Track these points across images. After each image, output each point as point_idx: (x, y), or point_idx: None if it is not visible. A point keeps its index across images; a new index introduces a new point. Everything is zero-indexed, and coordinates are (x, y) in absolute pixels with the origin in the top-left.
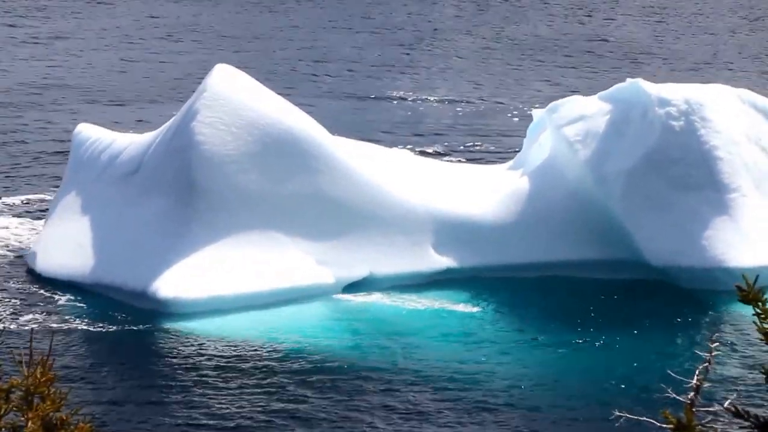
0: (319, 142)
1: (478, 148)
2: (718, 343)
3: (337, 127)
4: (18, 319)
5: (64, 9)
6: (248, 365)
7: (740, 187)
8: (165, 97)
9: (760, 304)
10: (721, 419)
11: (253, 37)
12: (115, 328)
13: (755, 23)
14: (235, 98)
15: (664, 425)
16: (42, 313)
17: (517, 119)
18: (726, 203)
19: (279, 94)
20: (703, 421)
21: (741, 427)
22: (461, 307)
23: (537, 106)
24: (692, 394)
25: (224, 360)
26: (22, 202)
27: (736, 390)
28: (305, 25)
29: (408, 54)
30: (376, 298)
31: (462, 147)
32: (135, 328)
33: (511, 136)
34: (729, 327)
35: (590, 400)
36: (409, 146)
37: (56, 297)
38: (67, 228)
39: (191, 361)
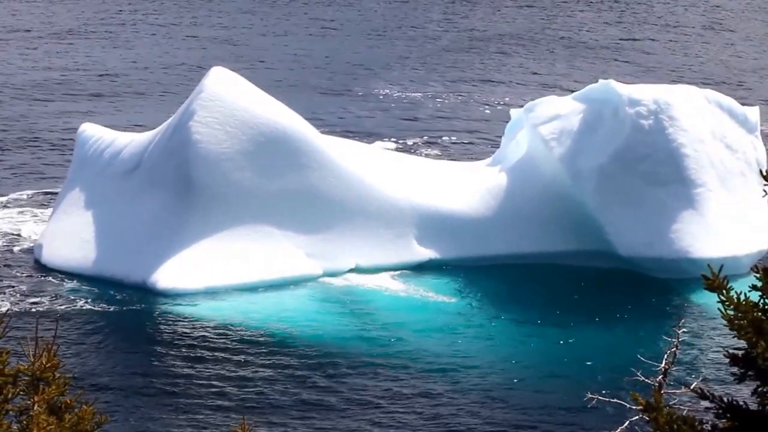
0: (309, 140)
1: (459, 145)
2: (684, 329)
3: (326, 125)
4: (25, 307)
5: (69, 15)
6: (241, 349)
7: (706, 182)
8: (163, 97)
9: (724, 291)
10: (688, 401)
11: (248, 41)
12: (116, 316)
13: (722, 25)
14: (230, 99)
15: (634, 406)
16: (47, 301)
17: (495, 118)
18: (692, 198)
19: (271, 95)
20: (670, 403)
21: (706, 408)
22: (442, 296)
23: (507, 102)
24: (660, 377)
25: (218, 344)
26: (29, 197)
27: (702, 373)
28: (296, 30)
29: (394, 55)
30: (361, 286)
31: (443, 144)
32: (136, 317)
33: (490, 134)
34: (695, 313)
35: (564, 383)
36: (394, 142)
37: (61, 287)
38: (72, 222)
39: (188, 346)
